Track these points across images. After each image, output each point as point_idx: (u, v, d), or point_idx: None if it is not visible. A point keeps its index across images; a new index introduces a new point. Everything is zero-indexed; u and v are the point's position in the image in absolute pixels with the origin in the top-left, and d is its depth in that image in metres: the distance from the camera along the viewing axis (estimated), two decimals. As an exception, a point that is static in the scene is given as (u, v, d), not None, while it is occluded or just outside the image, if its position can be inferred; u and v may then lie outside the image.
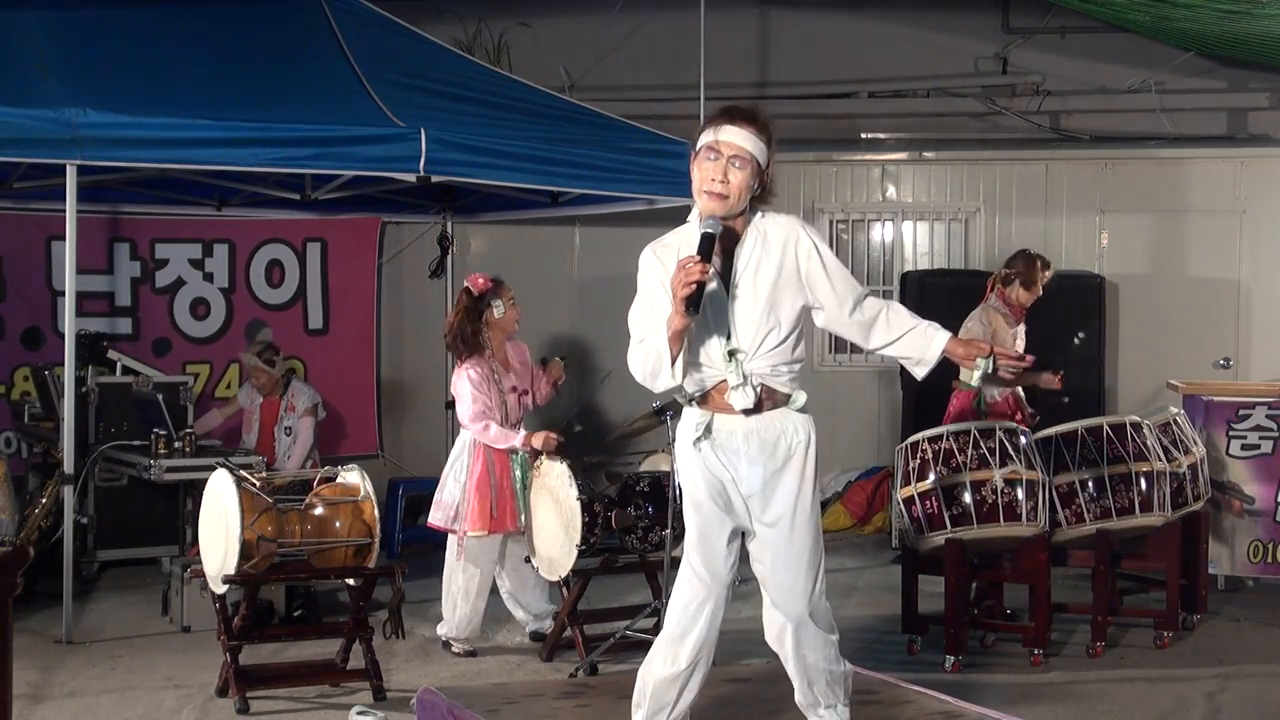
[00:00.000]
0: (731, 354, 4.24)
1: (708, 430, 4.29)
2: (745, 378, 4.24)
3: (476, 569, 6.95)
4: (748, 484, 4.30)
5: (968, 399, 7.86)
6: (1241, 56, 10.80)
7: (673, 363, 4.15)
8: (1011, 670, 6.73)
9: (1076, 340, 8.33)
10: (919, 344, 4.36)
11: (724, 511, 4.32)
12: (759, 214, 4.35)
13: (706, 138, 4.27)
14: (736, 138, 4.23)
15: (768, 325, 4.26)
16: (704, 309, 4.17)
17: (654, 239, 4.42)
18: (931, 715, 5.00)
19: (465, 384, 6.86)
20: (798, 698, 4.53)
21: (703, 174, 4.26)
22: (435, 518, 7.04)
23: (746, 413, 4.26)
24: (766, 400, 4.28)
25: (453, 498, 6.95)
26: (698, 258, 4.07)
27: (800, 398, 4.34)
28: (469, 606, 6.96)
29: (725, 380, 4.26)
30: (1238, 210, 10.93)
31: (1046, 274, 7.98)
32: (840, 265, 4.36)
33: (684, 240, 4.30)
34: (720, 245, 4.24)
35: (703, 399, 4.32)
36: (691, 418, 4.34)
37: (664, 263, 4.25)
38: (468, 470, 6.92)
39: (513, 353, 7.11)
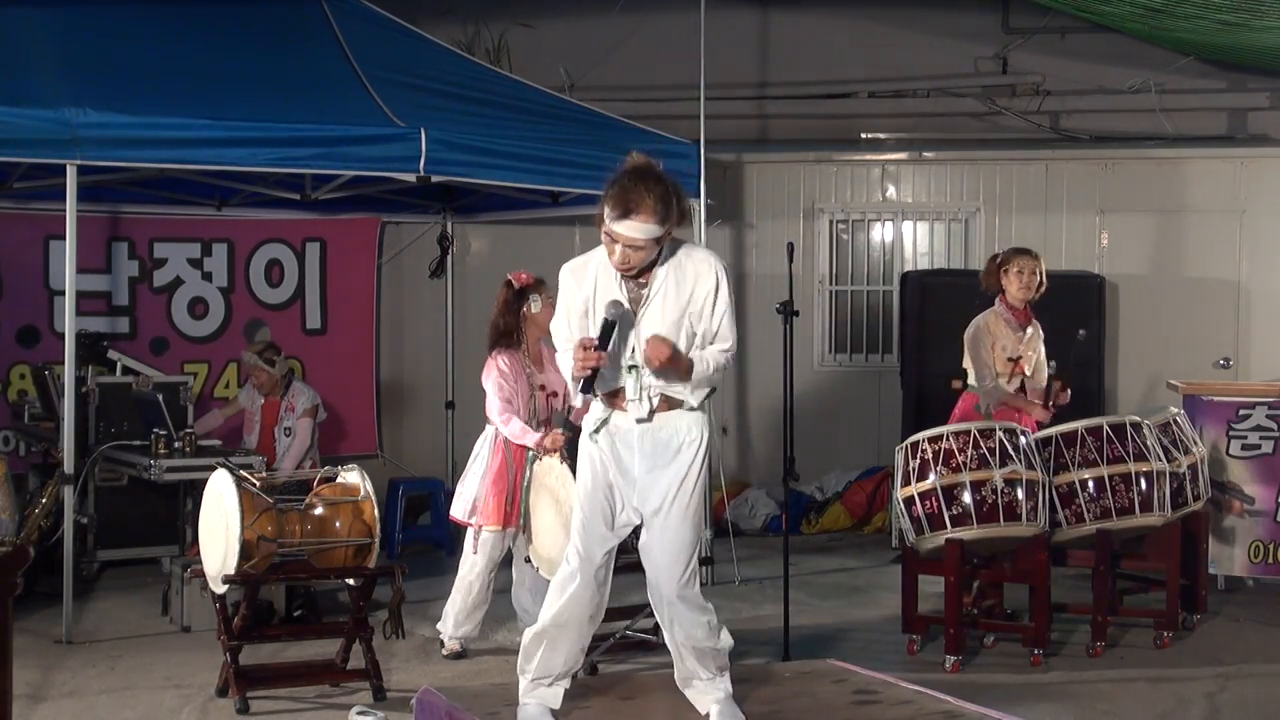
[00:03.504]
0: (631, 369, 4.61)
1: (606, 424, 4.68)
2: (641, 391, 4.62)
3: (485, 566, 6.98)
4: (638, 475, 4.66)
5: (972, 401, 7.84)
6: (1240, 62, 10.80)
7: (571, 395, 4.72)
8: (1011, 670, 6.73)
9: (1080, 335, 8.17)
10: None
11: (606, 502, 4.69)
12: (682, 248, 4.72)
13: (606, 220, 4.55)
14: (630, 231, 4.52)
15: None
16: (616, 328, 4.53)
17: None
18: (931, 715, 4.99)
19: (493, 374, 6.90)
20: (675, 674, 4.92)
21: (606, 250, 4.62)
22: (455, 509, 7.09)
23: (639, 420, 4.64)
24: (662, 406, 4.66)
25: (472, 490, 6.99)
26: (595, 344, 4.49)
27: (694, 399, 4.67)
28: (472, 601, 6.97)
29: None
30: (1237, 210, 10.93)
31: (1016, 262, 7.51)
32: (730, 313, 4.67)
33: (596, 265, 4.65)
34: (636, 274, 4.60)
35: (609, 397, 4.68)
36: (595, 412, 4.73)
37: (578, 282, 4.67)
38: (486, 464, 6.96)
39: (547, 353, 7.12)
